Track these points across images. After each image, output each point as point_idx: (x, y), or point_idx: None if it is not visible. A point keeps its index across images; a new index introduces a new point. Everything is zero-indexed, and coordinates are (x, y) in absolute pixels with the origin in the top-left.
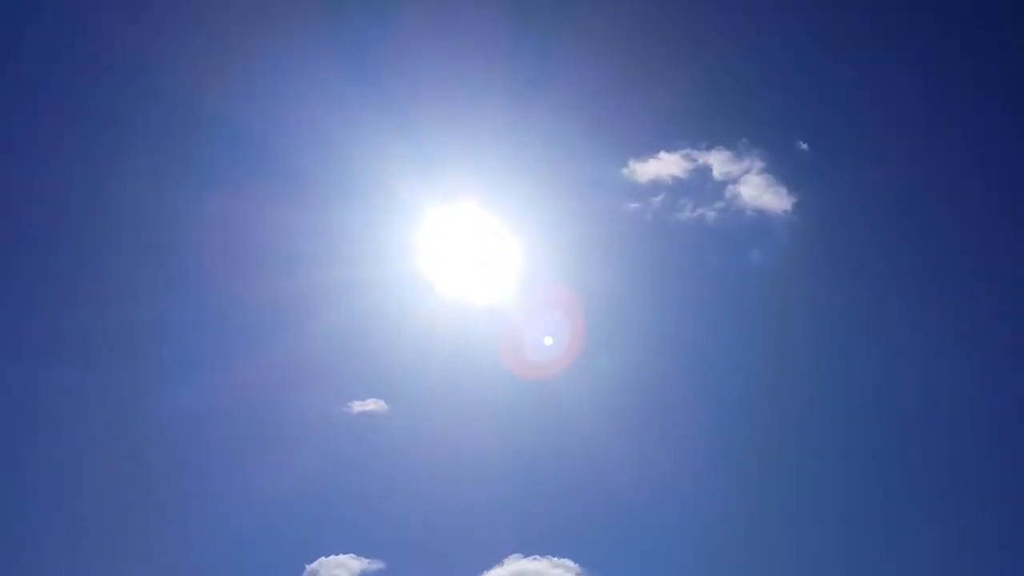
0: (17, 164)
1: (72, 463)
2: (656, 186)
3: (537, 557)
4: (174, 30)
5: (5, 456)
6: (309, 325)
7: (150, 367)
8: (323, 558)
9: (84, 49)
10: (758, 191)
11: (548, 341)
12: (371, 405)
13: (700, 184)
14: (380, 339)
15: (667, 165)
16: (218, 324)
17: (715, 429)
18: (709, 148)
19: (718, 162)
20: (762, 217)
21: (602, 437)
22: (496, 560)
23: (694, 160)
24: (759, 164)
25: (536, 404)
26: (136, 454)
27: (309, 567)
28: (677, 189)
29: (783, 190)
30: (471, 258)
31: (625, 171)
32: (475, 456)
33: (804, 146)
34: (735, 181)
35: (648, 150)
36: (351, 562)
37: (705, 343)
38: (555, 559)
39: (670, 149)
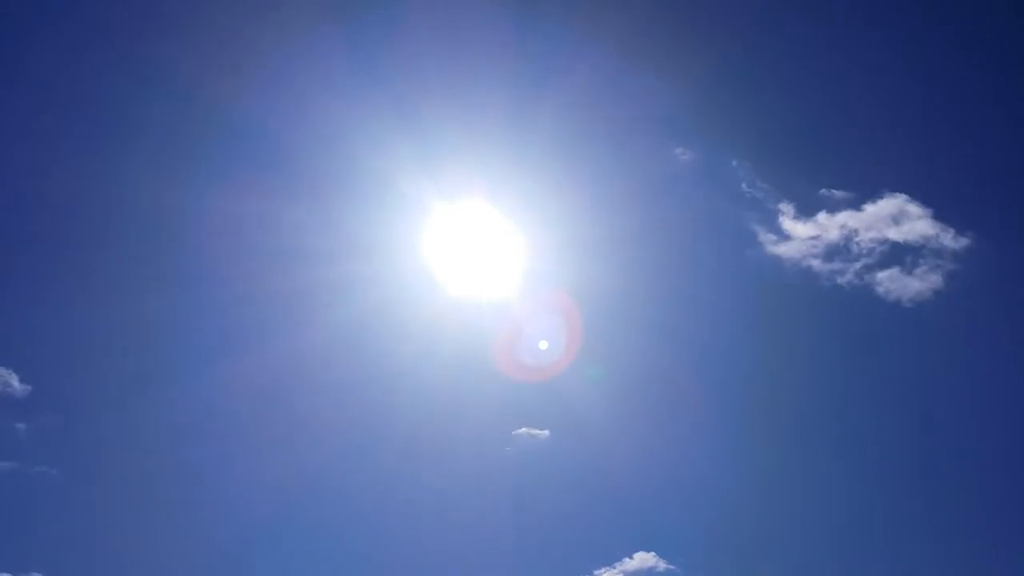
0: (23, 160)
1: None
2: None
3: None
4: (181, 28)
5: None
6: (313, 321)
7: (152, 363)
8: None
9: (92, 47)
10: None
11: (543, 345)
12: None
13: None
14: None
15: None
16: (219, 320)
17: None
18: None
19: None
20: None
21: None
22: None
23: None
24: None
25: (537, 403)
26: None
27: None
28: None
29: None
30: (478, 255)
31: None
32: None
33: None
34: None
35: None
36: None
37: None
38: None
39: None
